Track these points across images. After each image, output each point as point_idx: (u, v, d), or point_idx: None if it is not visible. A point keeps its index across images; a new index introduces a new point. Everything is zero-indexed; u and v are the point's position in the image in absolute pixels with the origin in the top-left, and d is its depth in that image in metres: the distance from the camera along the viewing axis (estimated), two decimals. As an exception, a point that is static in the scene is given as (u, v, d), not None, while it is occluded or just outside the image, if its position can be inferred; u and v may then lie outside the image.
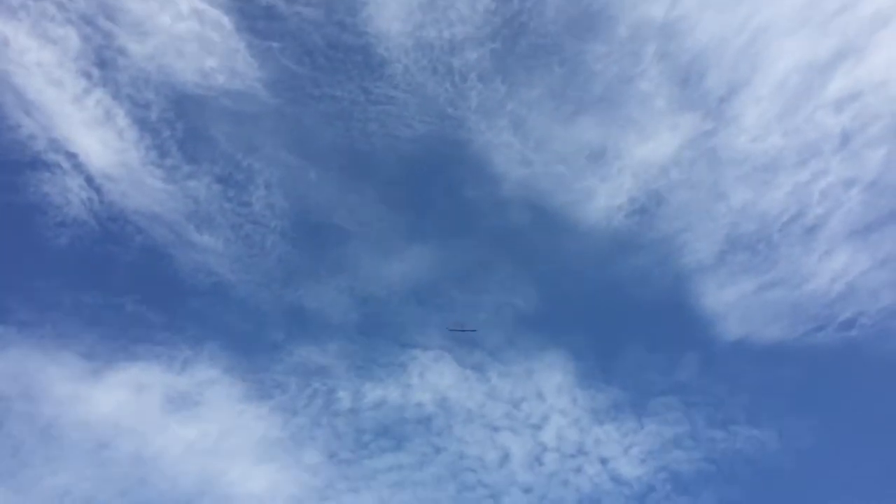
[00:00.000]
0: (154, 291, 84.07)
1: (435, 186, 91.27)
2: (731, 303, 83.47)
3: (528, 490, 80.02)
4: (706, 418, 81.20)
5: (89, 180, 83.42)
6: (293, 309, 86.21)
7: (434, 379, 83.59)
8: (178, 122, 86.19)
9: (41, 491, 74.60)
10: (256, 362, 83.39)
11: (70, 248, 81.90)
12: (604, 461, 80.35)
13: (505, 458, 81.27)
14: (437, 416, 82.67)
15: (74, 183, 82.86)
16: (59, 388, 77.23)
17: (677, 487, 78.80)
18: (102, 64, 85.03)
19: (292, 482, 79.40)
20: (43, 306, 79.84)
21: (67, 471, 75.50)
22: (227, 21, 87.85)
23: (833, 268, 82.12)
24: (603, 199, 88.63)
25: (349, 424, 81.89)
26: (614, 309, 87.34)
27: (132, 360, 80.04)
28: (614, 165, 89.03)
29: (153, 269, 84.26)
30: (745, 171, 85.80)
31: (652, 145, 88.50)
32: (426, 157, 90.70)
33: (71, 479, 75.33)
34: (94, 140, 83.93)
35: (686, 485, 78.85)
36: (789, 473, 78.58)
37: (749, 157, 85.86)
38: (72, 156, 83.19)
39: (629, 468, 79.76)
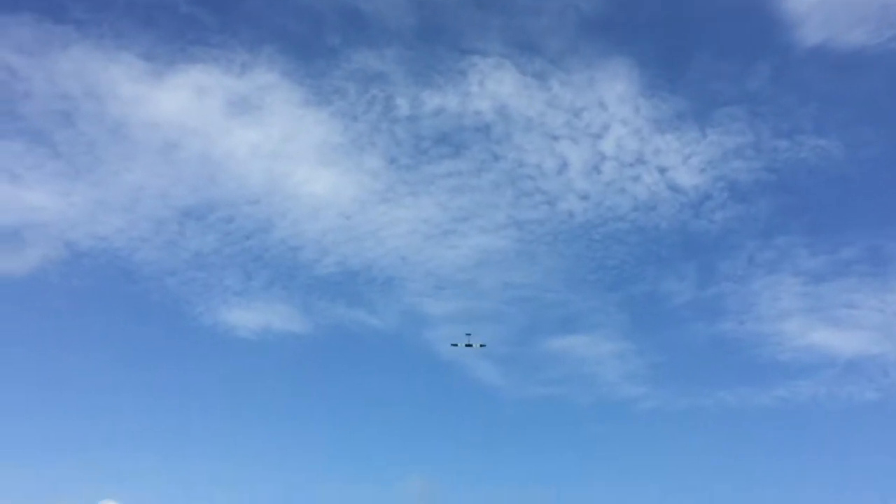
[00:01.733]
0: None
1: None
2: (814, 5, 77.94)
3: (584, 197, 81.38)
4: (772, 128, 79.45)
5: None
6: (349, 11, 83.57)
7: (494, 87, 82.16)
8: None
9: (117, 186, 78.38)
10: (314, 67, 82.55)
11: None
12: (662, 170, 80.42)
13: (563, 166, 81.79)
14: (496, 125, 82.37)
15: None
16: (123, 88, 78.16)
17: (734, 196, 79.22)
18: None
19: (354, 185, 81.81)
20: (98, 5, 78.72)
21: (140, 168, 78.65)
22: None
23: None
24: None
25: (408, 131, 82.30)
26: (685, 13, 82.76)
27: (191, 62, 79.74)
28: None
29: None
30: None
31: None
32: None
33: (144, 176, 78.66)
34: None
35: (743, 193, 79.18)
36: (852, 182, 78.11)
37: None
38: None
39: (687, 177, 79.88)
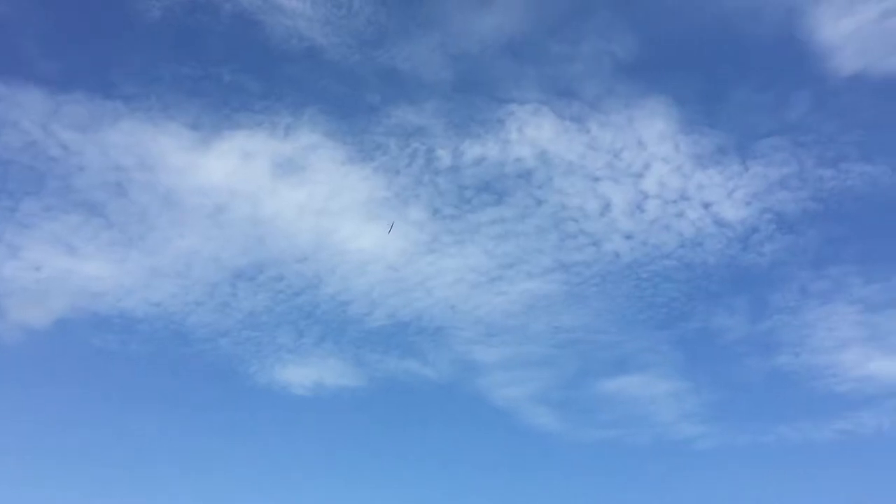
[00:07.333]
0: (249, 60, 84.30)
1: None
2: (849, 34, 77.95)
3: (629, 237, 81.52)
4: (815, 157, 79.09)
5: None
6: (386, 70, 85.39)
7: (533, 133, 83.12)
8: None
9: (171, 252, 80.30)
10: (356, 125, 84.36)
11: (163, 21, 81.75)
12: (706, 205, 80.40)
13: (606, 207, 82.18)
14: (537, 170, 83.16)
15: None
16: (172, 158, 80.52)
17: (782, 227, 78.80)
18: None
19: (400, 237, 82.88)
20: (145, 80, 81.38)
21: (191, 234, 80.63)
22: None
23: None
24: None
25: (450, 182, 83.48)
26: (720, 48, 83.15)
27: (236, 128, 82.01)
28: None
29: (245, 38, 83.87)
30: None
31: None
32: None
33: (196, 241, 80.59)
34: None
35: (791, 224, 78.70)
36: (901, 209, 77.19)
37: None
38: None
39: (732, 211, 79.71)
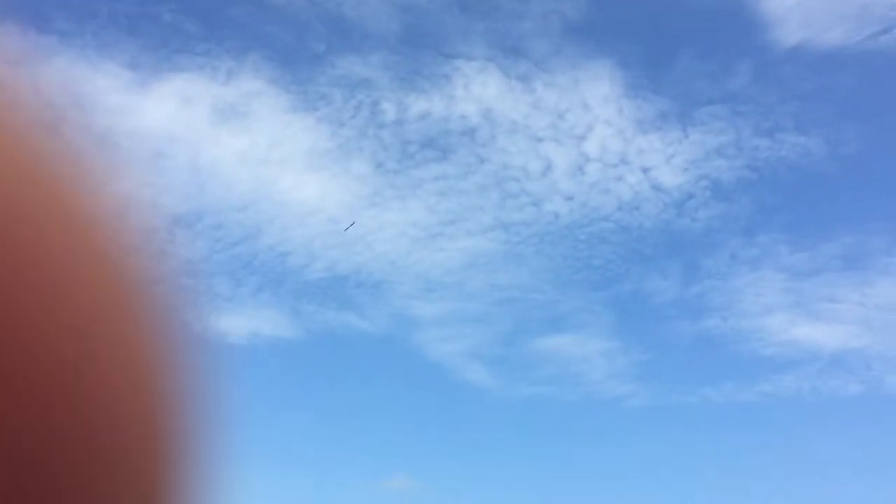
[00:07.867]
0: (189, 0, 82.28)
1: None
2: (793, 5, 78.89)
3: (569, 198, 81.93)
4: (753, 127, 79.93)
5: None
6: (333, 18, 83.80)
7: (478, 90, 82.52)
8: None
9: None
10: (300, 74, 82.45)
11: (99, -46, 79.15)
12: (645, 170, 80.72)
13: (548, 168, 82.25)
14: (482, 127, 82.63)
15: None
16: (108, 98, 78.06)
17: (717, 194, 79.81)
18: None
19: (342, 190, 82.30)
20: (80, 15, 77.99)
21: (129, 178, 79.15)
22: None
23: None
24: None
25: (394, 136, 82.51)
26: (667, 15, 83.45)
27: (176, 70, 79.61)
28: None
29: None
30: None
31: None
32: None
33: (133, 185, 79.04)
34: None
35: (726, 192, 79.72)
36: (832, 179, 78.82)
37: None
38: None
39: (670, 177, 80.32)
